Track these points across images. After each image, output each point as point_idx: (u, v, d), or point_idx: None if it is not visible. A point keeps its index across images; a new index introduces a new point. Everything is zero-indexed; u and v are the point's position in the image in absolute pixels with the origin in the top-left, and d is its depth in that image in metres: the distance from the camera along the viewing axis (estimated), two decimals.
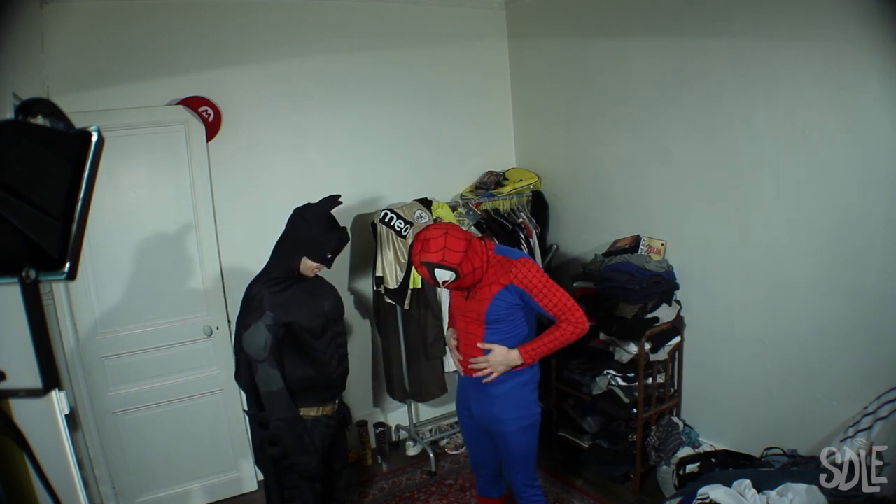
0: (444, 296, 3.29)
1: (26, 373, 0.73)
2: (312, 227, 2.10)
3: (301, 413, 2.13)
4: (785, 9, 2.30)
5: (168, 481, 3.03)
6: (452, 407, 3.87)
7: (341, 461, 2.43)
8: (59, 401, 1.65)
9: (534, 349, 2.03)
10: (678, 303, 2.97)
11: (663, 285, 2.87)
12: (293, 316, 2.08)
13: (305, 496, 2.19)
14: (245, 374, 2.14)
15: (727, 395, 2.85)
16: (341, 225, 2.22)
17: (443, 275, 1.93)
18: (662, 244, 3.02)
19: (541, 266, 3.43)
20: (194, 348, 3.03)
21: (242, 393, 3.16)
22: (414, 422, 3.64)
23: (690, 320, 2.97)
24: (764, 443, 2.56)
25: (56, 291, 2.70)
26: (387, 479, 3.31)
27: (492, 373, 2.07)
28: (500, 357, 2.05)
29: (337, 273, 3.44)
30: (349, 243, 3.45)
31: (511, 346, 2.05)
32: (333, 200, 2.19)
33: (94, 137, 0.71)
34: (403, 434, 3.65)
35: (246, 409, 2.26)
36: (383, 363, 3.51)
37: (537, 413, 2.15)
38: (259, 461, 2.29)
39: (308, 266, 2.15)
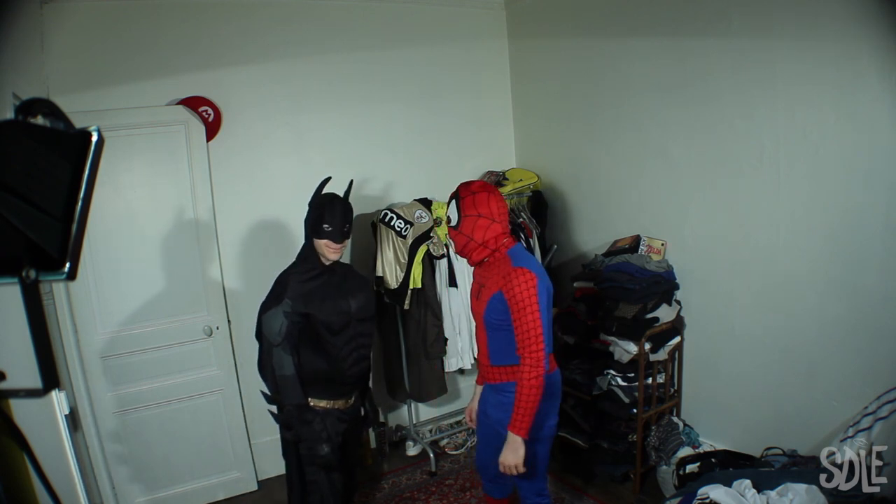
0: (445, 296, 3.30)
1: (26, 373, 0.73)
2: (313, 211, 2.16)
3: (311, 403, 2.16)
4: (785, 9, 2.30)
5: (168, 481, 3.03)
6: (452, 407, 3.88)
7: (353, 458, 2.45)
8: (59, 401, 1.66)
9: (518, 421, 1.88)
10: (678, 303, 2.97)
11: (663, 285, 2.88)
12: (311, 308, 2.10)
13: (323, 488, 2.20)
14: (266, 360, 2.16)
15: (727, 395, 2.85)
16: (337, 195, 2.21)
17: (451, 210, 2.01)
18: (662, 244, 3.02)
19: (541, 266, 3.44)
20: (194, 348, 3.04)
21: (243, 393, 3.19)
22: (414, 422, 3.64)
23: (690, 320, 2.97)
24: (764, 443, 2.56)
25: (56, 291, 2.70)
26: (387, 479, 3.31)
27: (519, 466, 1.92)
28: (507, 453, 1.91)
29: None
30: (351, 240, 3.47)
31: (515, 356, 1.95)
32: (324, 182, 2.24)
33: (94, 137, 0.71)
34: (403, 434, 3.65)
35: (262, 391, 2.29)
36: (383, 363, 3.51)
37: (549, 426, 2.06)
38: (283, 451, 2.31)
39: (320, 247, 2.15)
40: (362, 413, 2.44)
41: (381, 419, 3.69)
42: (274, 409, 2.26)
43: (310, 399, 2.16)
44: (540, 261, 3.47)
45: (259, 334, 2.19)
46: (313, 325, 2.11)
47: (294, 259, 2.28)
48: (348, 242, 2.19)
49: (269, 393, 2.24)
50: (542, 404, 1.93)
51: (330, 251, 2.15)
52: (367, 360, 2.28)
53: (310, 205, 2.19)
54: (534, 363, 1.85)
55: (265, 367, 2.18)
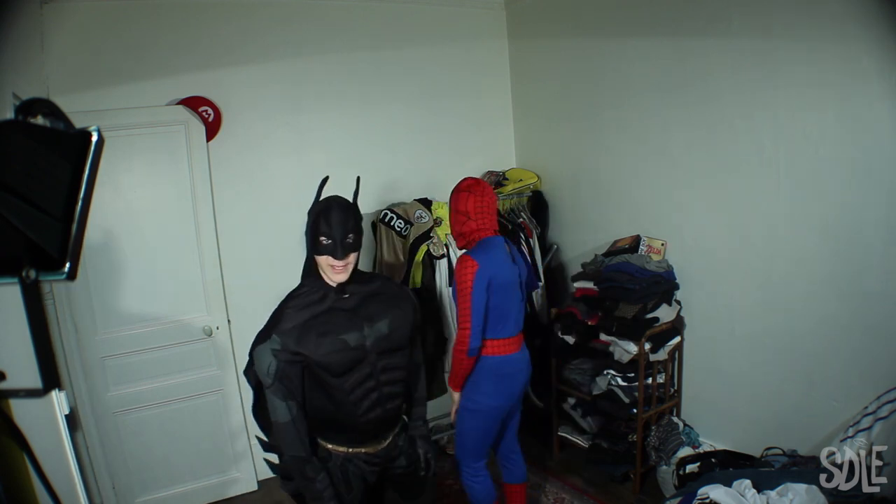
0: (445, 296, 3.29)
1: (26, 373, 0.73)
2: (309, 221, 1.73)
3: (330, 447, 1.77)
4: (785, 9, 2.30)
5: (168, 481, 3.03)
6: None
7: None
8: (59, 401, 1.66)
9: (450, 377, 2.32)
10: (678, 303, 2.97)
11: (663, 285, 2.87)
12: (305, 347, 1.65)
13: None
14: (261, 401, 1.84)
15: (727, 395, 2.85)
16: (336, 198, 1.76)
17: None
18: (662, 244, 3.02)
19: (540, 265, 3.45)
20: (194, 348, 3.04)
21: (243, 393, 3.18)
22: None
23: (690, 320, 2.97)
24: (764, 443, 2.56)
25: (56, 291, 2.70)
26: None
27: (451, 414, 2.42)
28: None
29: None
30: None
31: None
32: (321, 183, 1.83)
33: (94, 137, 0.71)
34: None
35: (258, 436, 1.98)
36: None
37: (479, 403, 2.29)
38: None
39: (321, 265, 1.71)
40: (407, 458, 1.90)
41: None
42: (272, 457, 1.90)
43: (327, 443, 1.77)
44: (540, 261, 3.48)
45: (247, 371, 1.85)
46: (309, 365, 1.68)
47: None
48: (355, 257, 1.72)
49: (265, 439, 1.91)
50: (481, 382, 2.27)
51: (333, 270, 1.68)
52: (396, 399, 1.77)
53: (308, 213, 1.76)
54: (459, 338, 2.17)
55: (258, 410, 1.86)
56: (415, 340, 1.90)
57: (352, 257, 1.70)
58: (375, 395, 1.72)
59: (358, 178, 1.92)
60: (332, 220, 1.67)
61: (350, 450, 1.77)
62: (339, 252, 1.66)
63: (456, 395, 2.34)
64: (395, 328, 1.74)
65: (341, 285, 1.73)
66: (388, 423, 1.80)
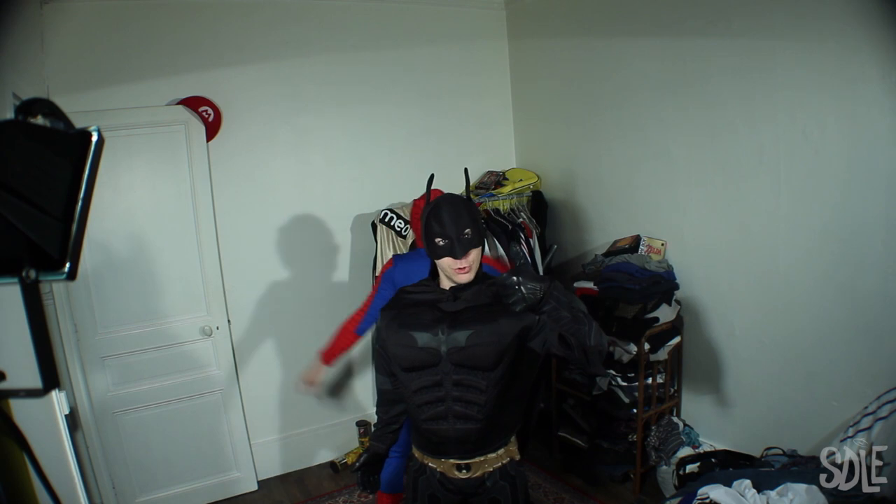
0: None
1: (26, 373, 0.73)
2: (421, 226, 1.62)
3: (414, 448, 1.72)
4: (785, 9, 2.30)
5: (168, 481, 3.03)
6: None
7: None
8: (59, 401, 1.65)
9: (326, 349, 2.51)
10: (678, 303, 2.97)
11: (663, 285, 2.87)
12: (386, 332, 1.63)
13: None
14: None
15: (727, 395, 2.85)
16: (446, 195, 1.64)
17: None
18: (662, 244, 3.02)
19: (540, 265, 3.46)
20: (194, 348, 3.04)
21: (243, 393, 3.19)
22: None
23: (690, 320, 2.97)
24: (764, 443, 2.56)
25: (56, 291, 2.70)
26: None
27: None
28: None
29: (337, 273, 3.44)
30: (351, 242, 3.47)
31: None
32: (428, 182, 1.74)
33: (94, 137, 0.71)
34: None
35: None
36: None
37: None
38: None
39: (444, 269, 1.58)
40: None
41: None
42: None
43: (414, 444, 1.72)
44: (540, 261, 3.47)
45: None
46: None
47: None
48: (477, 254, 1.57)
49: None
50: None
51: (457, 273, 1.55)
52: (469, 422, 1.55)
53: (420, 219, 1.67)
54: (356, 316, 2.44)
55: None
56: (493, 368, 1.54)
57: (473, 254, 1.56)
58: (442, 408, 1.57)
59: (466, 170, 1.85)
60: (443, 219, 1.55)
61: (425, 458, 1.67)
62: (457, 250, 1.53)
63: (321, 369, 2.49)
64: (474, 343, 1.52)
65: (454, 290, 1.59)
66: (464, 447, 1.60)
